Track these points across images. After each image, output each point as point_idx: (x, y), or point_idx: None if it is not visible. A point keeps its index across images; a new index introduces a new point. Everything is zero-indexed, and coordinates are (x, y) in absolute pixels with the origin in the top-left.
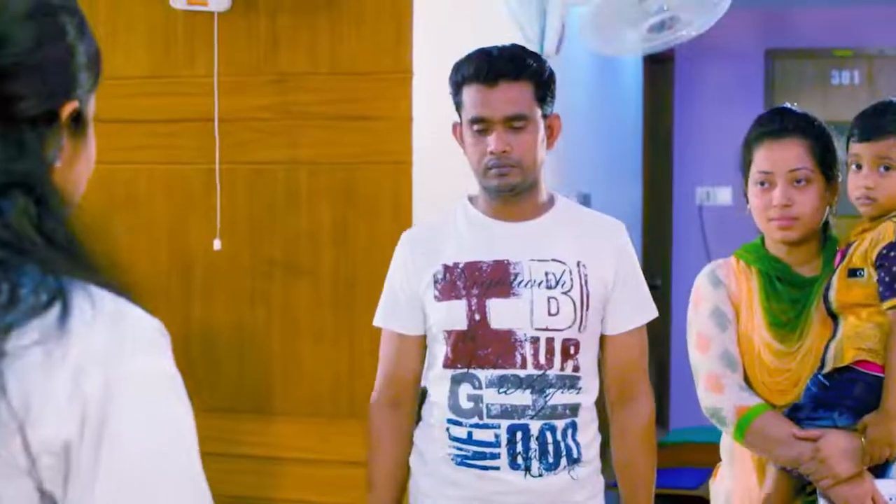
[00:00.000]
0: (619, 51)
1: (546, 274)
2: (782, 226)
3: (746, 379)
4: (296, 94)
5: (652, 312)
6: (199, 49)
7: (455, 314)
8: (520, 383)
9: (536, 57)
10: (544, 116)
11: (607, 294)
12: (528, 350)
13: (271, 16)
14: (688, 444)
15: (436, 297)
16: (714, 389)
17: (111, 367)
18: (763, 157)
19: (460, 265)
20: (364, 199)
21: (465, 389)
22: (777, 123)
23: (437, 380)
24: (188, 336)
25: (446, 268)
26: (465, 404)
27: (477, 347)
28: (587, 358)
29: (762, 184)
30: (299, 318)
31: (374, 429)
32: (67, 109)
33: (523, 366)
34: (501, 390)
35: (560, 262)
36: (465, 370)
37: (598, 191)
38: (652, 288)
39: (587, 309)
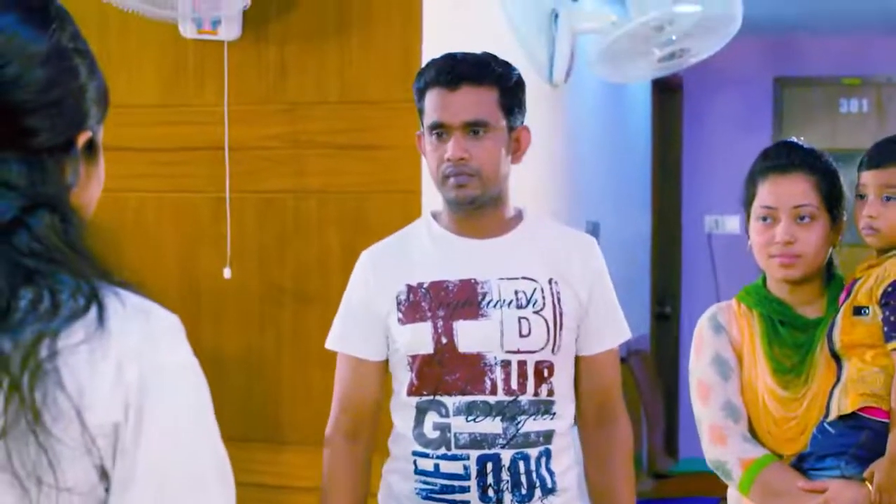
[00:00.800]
0: (629, 78)
1: (516, 293)
2: (784, 263)
3: (752, 428)
4: (305, 122)
5: (626, 333)
6: (209, 78)
7: (420, 337)
8: (489, 410)
9: (504, 64)
10: (511, 128)
11: (581, 313)
12: (498, 374)
13: (281, 45)
14: (698, 473)
15: (399, 319)
16: (717, 441)
17: (145, 360)
18: (767, 192)
19: (425, 285)
20: (373, 227)
21: (431, 418)
22: (783, 158)
23: (400, 408)
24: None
25: (410, 288)
26: (432, 434)
27: (444, 373)
28: (562, 381)
29: (765, 219)
30: (309, 347)
31: (328, 464)
32: (82, 139)
33: (493, 391)
34: (470, 418)
35: (531, 279)
36: (431, 397)
37: (607, 219)
38: (662, 316)
39: (561, 329)
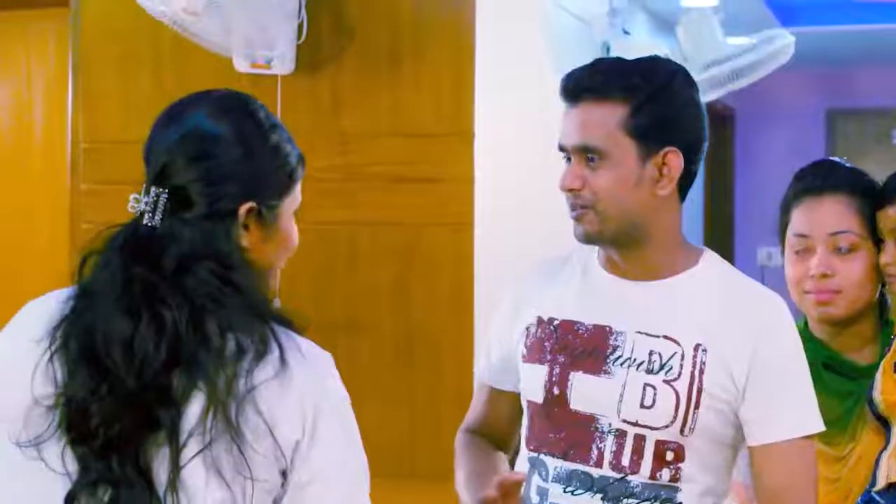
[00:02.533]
0: None
1: (650, 353)
2: (820, 300)
3: None
4: (358, 155)
5: (811, 424)
6: None
7: (534, 382)
8: (591, 484)
9: (652, 72)
10: (648, 152)
11: (737, 392)
12: (608, 445)
13: (334, 78)
14: None
15: (523, 355)
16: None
17: (318, 391)
18: (800, 218)
19: (556, 322)
20: (425, 260)
21: (535, 479)
22: (818, 179)
23: (521, 458)
24: None
25: (540, 321)
26: (533, 498)
27: (550, 429)
28: (696, 469)
29: (798, 251)
30: (360, 378)
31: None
32: (243, 209)
33: (598, 464)
34: (568, 489)
35: (673, 340)
36: (537, 454)
37: None
38: None
39: (696, 407)
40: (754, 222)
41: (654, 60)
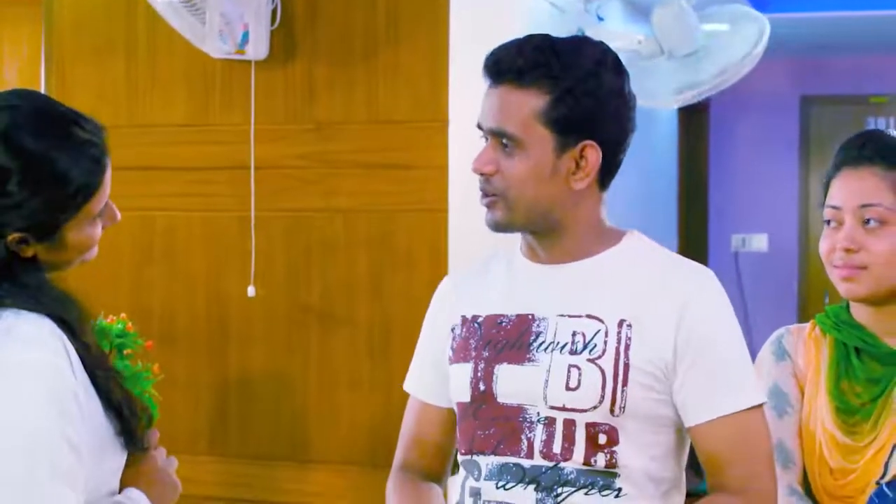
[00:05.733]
0: (653, 104)
1: (574, 334)
2: (844, 276)
3: (806, 478)
4: (332, 142)
5: (748, 397)
6: (236, 98)
7: (460, 381)
8: (522, 476)
9: (577, 60)
10: (565, 145)
11: (665, 367)
12: (538, 434)
13: (308, 65)
14: None
15: (450, 357)
16: None
17: None
18: (834, 189)
19: (480, 318)
20: (400, 247)
21: (468, 482)
22: (857, 149)
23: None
24: (225, 383)
25: (464, 321)
26: (467, 501)
27: (478, 427)
28: (634, 453)
29: (829, 222)
30: (335, 366)
31: (387, 494)
32: (9, 239)
33: (529, 454)
34: (500, 484)
35: (595, 318)
36: (469, 456)
37: None
38: None
39: (624, 384)
40: (729, 209)
41: (581, 45)
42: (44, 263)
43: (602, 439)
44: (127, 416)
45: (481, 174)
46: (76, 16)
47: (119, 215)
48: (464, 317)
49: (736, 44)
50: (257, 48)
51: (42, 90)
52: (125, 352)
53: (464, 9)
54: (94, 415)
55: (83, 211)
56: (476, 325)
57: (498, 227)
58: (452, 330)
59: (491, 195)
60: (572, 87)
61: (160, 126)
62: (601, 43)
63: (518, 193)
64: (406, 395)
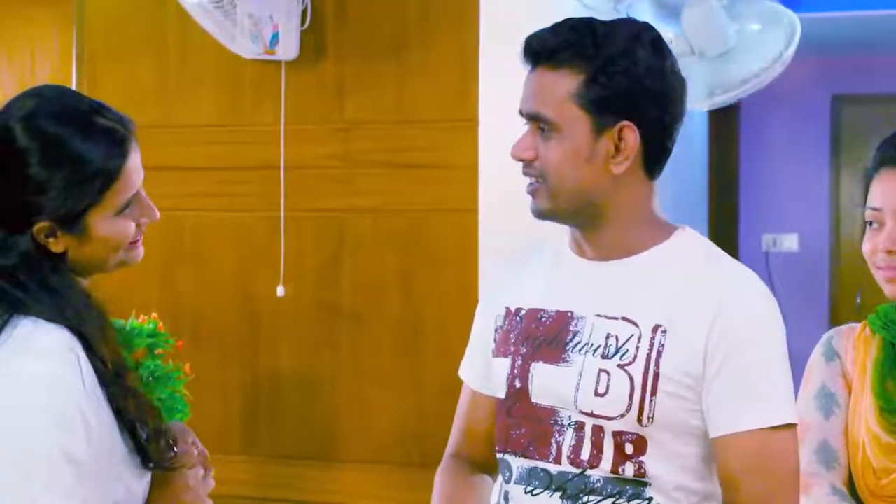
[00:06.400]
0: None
1: (607, 337)
2: (888, 277)
3: (851, 479)
4: (362, 142)
5: (775, 414)
6: (266, 98)
7: (499, 377)
8: (549, 482)
9: (611, 37)
10: (602, 126)
11: (698, 375)
12: (567, 439)
13: (338, 65)
14: None
15: (493, 350)
16: (802, 490)
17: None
18: (875, 190)
19: (522, 311)
20: (429, 246)
21: (500, 483)
22: (894, 149)
23: None
24: (255, 382)
25: (508, 313)
26: (500, 503)
27: (512, 426)
28: (664, 463)
29: (870, 223)
30: (365, 365)
31: (435, 482)
32: (36, 229)
33: (557, 459)
34: (528, 489)
35: (631, 321)
36: (502, 454)
37: None
38: None
39: (653, 394)
40: (760, 209)
41: (617, 23)
42: (75, 264)
43: (629, 449)
44: (140, 434)
45: (520, 160)
46: (107, 17)
47: (157, 213)
48: (508, 308)
49: (767, 44)
50: (287, 49)
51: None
52: (156, 352)
53: (493, 8)
54: (105, 430)
55: (106, 199)
56: (518, 318)
57: (541, 214)
58: (496, 321)
59: (533, 180)
60: (605, 65)
61: (190, 126)
62: (642, 22)
63: (557, 179)
64: (435, 390)
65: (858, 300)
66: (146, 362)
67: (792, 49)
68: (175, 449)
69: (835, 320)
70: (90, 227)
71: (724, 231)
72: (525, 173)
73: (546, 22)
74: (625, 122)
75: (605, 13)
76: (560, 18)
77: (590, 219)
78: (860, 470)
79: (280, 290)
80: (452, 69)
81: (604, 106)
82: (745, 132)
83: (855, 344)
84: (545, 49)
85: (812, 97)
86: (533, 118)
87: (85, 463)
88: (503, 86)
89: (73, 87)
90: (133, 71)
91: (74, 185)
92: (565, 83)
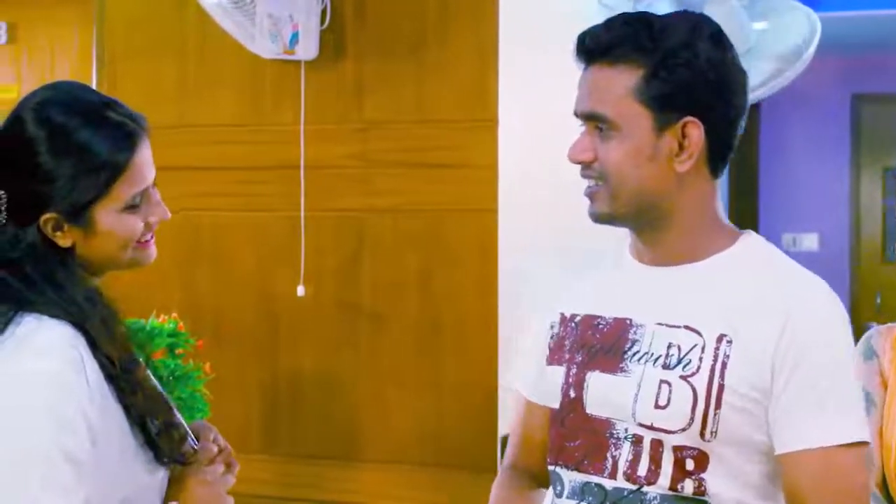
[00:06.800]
0: None
1: (669, 346)
2: None
3: (885, 481)
4: (381, 142)
5: (846, 431)
6: (285, 97)
7: (553, 385)
8: (603, 498)
9: (671, 30)
10: (664, 122)
11: (765, 388)
12: (623, 453)
13: (357, 64)
14: None
15: (546, 357)
16: None
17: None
18: None
19: (577, 317)
20: (449, 246)
21: (550, 497)
22: None
23: None
24: (275, 381)
25: (563, 319)
26: None
27: (566, 437)
28: (726, 481)
29: None
30: (384, 365)
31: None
32: (42, 220)
33: (612, 474)
34: None
35: (694, 331)
36: (554, 467)
37: None
38: None
39: (717, 407)
40: (780, 208)
41: (673, 16)
42: (84, 260)
43: (690, 464)
44: (151, 429)
45: (578, 162)
46: (128, 17)
47: (168, 213)
48: (563, 314)
49: (788, 43)
50: (307, 48)
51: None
52: (177, 351)
53: (513, 8)
54: (113, 427)
55: (113, 192)
56: (573, 324)
57: (600, 218)
58: (551, 327)
59: (592, 182)
60: (665, 59)
61: (210, 126)
62: (699, 14)
63: (619, 180)
64: (454, 390)
65: (878, 300)
66: (166, 361)
67: (812, 48)
68: (193, 442)
69: (855, 320)
70: (96, 220)
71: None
72: (583, 176)
73: (565, 22)
74: (688, 118)
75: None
76: (579, 17)
77: (652, 221)
78: (893, 472)
79: (301, 290)
80: (471, 68)
81: (666, 101)
82: (765, 132)
83: (893, 344)
84: (600, 45)
85: (832, 96)
86: (590, 118)
87: (86, 461)
88: (522, 85)
89: (93, 87)
90: (153, 71)
91: (82, 175)
92: (624, 79)
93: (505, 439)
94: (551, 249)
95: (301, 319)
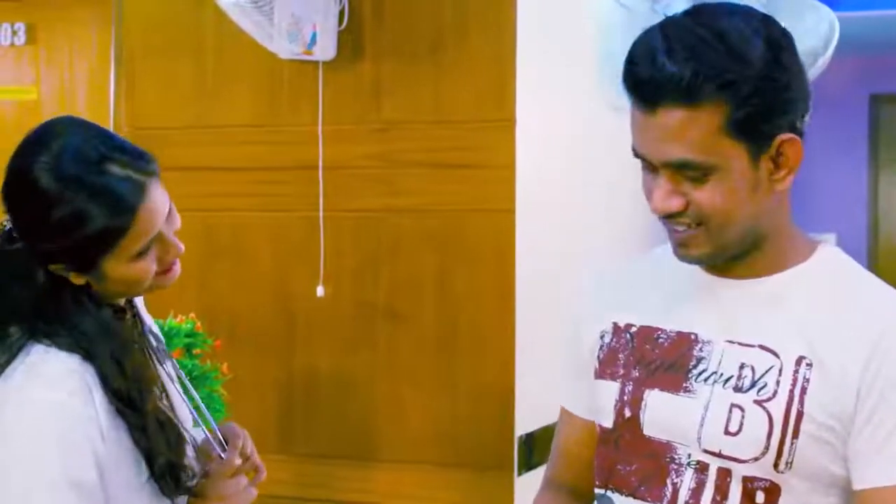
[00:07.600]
0: None
1: (741, 367)
2: None
3: None
4: (399, 142)
5: None
6: (303, 98)
7: (604, 402)
8: None
9: (748, 52)
10: (760, 148)
11: (848, 419)
12: (685, 480)
13: (375, 65)
14: None
15: (596, 370)
16: None
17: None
18: None
19: (633, 328)
20: (467, 246)
21: None
22: None
23: None
24: (292, 382)
25: (616, 329)
26: None
27: (619, 460)
28: None
29: None
30: (402, 365)
31: None
32: (55, 267)
33: (672, 503)
34: None
35: (770, 351)
36: (604, 490)
37: None
38: None
39: (795, 436)
40: (796, 208)
41: (740, 26)
42: (99, 292)
43: (760, 497)
44: (156, 462)
45: (669, 215)
46: (146, 16)
47: (181, 247)
48: (616, 324)
49: (806, 43)
50: (325, 49)
51: (111, 90)
52: (194, 351)
53: (531, 8)
54: (123, 455)
55: (119, 248)
56: (628, 335)
57: (696, 260)
58: (601, 337)
59: (687, 227)
60: (755, 89)
61: (228, 126)
62: (759, 15)
63: (723, 220)
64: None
65: None
66: (184, 362)
67: (831, 49)
68: (220, 450)
69: None
70: (105, 270)
71: None
72: (675, 223)
73: (583, 22)
74: (783, 136)
75: (641, 12)
76: (597, 17)
77: (749, 246)
78: None
79: (320, 291)
80: (489, 69)
81: (759, 128)
82: None
83: None
84: (676, 87)
85: (850, 96)
86: (681, 167)
87: (92, 490)
88: (541, 86)
89: (111, 87)
90: (171, 71)
91: (81, 243)
92: (709, 119)
93: (521, 440)
94: (569, 251)
95: (319, 320)
